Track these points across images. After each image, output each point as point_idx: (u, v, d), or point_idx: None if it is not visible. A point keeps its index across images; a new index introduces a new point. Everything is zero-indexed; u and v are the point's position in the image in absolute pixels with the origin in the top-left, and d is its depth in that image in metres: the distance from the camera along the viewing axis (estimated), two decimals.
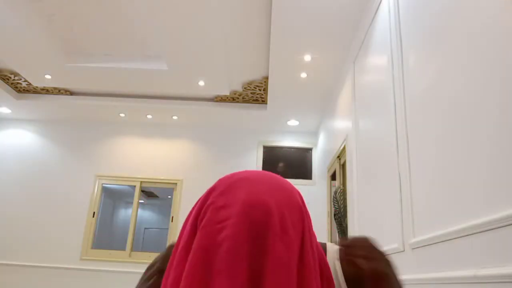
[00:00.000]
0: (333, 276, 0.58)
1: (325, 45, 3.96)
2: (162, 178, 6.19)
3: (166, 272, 0.52)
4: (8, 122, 6.43)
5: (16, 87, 5.73)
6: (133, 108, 5.89)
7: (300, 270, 0.49)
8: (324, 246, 0.66)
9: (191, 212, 0.58)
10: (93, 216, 5.97)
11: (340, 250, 0.64)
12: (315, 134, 6.27)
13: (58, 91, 5.76)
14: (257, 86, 5.32)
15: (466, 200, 1.59)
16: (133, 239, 5.93)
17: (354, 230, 3.54)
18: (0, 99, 5.76)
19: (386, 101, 2.69)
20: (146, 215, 9.81)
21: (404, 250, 2.25)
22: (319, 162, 5.94)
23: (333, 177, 4.88)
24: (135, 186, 6.19)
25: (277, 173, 0.58)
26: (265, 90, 5.38)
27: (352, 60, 3.83)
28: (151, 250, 9.29)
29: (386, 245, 2.55)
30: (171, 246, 0.61)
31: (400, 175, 2.36)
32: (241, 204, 0.51)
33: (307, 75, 4.54)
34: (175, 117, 6.16)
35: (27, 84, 5.60)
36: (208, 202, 0.55)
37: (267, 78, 4.99)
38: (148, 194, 9.14)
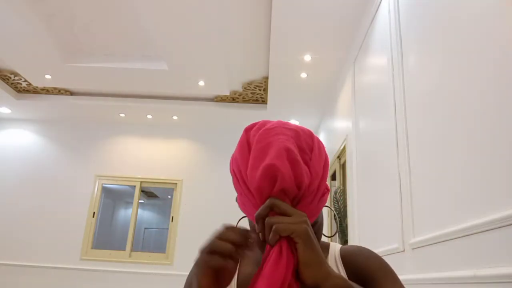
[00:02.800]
0: (333, 260, 0.75)
1: (325, 45, 3.96)
2: (162, 178, 6.19)
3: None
4: (8, 122, 6.43)
5: (16, 87, 5.73)
6: (133, 108, 5.89)
7: None
8: (327, 244, 0.79)
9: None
10: (93, 216, 5.97)
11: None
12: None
13: (58, 91, 5.76)
14: (257, 86, 5.32)
15: (466, 200, 1.59)
16: (133, 239, 5.93)
17: (354, 230, 3.54)
18: (0, 99, 5.76)
19: (386, 101, 2.69)
20: (146, 215, 9.81)
21: (404, 250, 2.25)
22: None
23: (333, 177, 4.88)
24: (135, 186, 6.19)
25: None
26: (265, 90, 5.38)
27: (352, 60, 3.83)
28: (151, 250, 9.34)
29: (386, 245, 2.55)
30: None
31: (400, 175, 2.36)
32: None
33: (307, 75, 4.54)
34: (175, 117, 6.15)
35: (27, 84, 5.60)
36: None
37: (267, 78, 4.99)
38: (148, 194, 9.14)
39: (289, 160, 0.60)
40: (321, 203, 0.66)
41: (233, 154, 0.70)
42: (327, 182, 0.68)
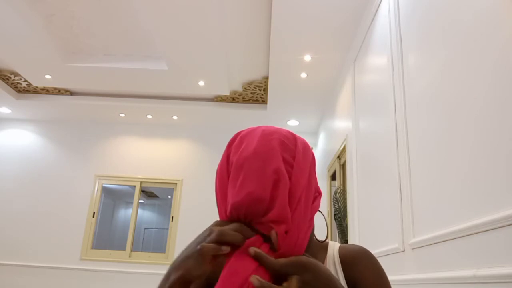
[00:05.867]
0: (331, 261, 0.75)
1: (325, 45, 3.96)
2: (162, 178, 6.19)
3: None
4: (8, 122, 6.43)
5: (16, 87, 5.73)
6: (133, 108, 5.89)
7: None
8: (326, 244, 0.80)
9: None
10: (93, 216, 5.97)
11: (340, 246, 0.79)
12: (315, 134, 6.27)
13: (58, 91, 5.76)
14: (257, 86, 5.32)
15: (466, 200, 1.59)
16: (133, 239, 5.93)
17: (354, 230, 3.53)
18: (0, 99, 5.76)
19: (386, 101, 2.69)
20: (146, 215, 9.81)
21: (404, 250, 2.25)
22: (319, 162, 5.93)
23: (333, 177, 4.88)
24: (135, 186, 6.20)
25: None
26: (265, 90, 5.38)
27: (352, 60, 3.83)
28: (151, 250, 9.34)
29: (386, 245, 2.55)
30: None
31: (400, 175, 2.36)
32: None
33: (307, 75, 4.54)
34: (175, 117, 6.15)
35: (27, 84, 5.60)
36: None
37: (267, 78, 4.99)
38: (148, 194, 9.14)
39: (270, 185, 0.57)
40: (313, 211, 0.63)
41: (218, 165, 0.65)
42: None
